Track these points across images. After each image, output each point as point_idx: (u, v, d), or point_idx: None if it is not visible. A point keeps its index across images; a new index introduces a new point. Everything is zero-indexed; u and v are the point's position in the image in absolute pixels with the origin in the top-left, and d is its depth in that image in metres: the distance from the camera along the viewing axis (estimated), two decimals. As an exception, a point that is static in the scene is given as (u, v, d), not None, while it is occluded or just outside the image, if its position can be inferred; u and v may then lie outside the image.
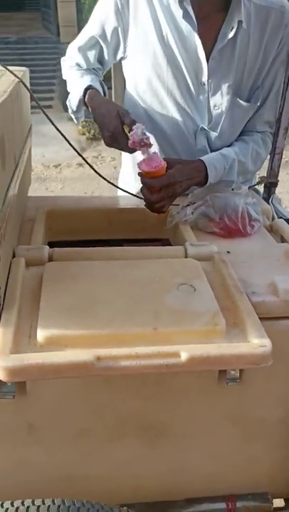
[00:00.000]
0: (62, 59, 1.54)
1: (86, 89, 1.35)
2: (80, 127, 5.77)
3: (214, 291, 0.96)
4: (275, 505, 1.19)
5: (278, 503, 1.22)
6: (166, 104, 1.39)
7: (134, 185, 1.51)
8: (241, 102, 1.39)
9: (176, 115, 1.39)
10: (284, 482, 1.19)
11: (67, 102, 1.48)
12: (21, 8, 11.28)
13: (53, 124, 1.26)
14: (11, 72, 1.14)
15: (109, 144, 1.27)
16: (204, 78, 1.35)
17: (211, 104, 1.38)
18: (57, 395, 0.97)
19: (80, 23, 6.84)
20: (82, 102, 1.37)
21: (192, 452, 1.10)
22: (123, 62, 1.45)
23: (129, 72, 1.44)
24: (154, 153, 1.18)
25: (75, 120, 1.52)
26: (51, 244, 1.21)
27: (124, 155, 1.56)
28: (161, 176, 1.18)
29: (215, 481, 1.15)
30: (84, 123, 5.87)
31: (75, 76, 1.44)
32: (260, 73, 1.39)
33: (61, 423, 1.01)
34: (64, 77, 1.53)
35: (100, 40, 1.40)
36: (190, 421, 1.06)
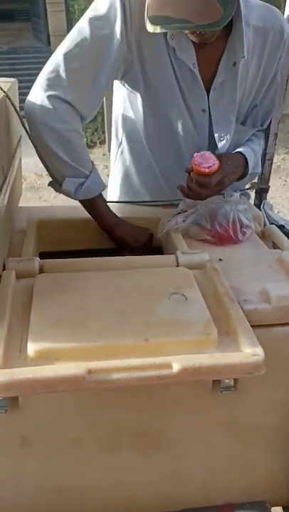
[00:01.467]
0: (35, 94, 1.19)
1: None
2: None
3: (206, 299, 0.96)
4: (273, 514, 1.18)
5: (277, 511, 1.21)
6: (166, 129, 1.35)
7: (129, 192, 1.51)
8: (244, 127, 1.38)
9: (178, 139, 1.36)
10: (282, 490, 1.18)
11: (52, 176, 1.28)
12: (11, 18, 11.31)
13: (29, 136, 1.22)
14: (-2, 84, 1.14)
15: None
16: (205, 106, 1.32)
17: (216, 135, 1.35)
18: (50, 407, 0.96)
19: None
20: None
21: (188, 462, 1.09)
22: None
23: (124, 91, 1.36)
24: (209, 152, 1.22)
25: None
26: (42, 255, 1.21)
27: (114, 165, 1.55)
28: (214, 174, 1.21)
29: (212, 490, 1.14)
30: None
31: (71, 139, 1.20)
32: (258, 94, 1.37)
33: (54, 435, 1.00)
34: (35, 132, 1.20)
35: (99, 71, 1.21)
36: (185, 431, 1.05)
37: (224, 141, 1.36)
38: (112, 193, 1.58)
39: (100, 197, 1.30)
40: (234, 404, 1.03)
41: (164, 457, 1.06)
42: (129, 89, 1.34)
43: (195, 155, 1.21)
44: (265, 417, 1.08)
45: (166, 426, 1.03)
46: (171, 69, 1.26)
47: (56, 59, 1.21)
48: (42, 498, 1.05)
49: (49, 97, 1.17)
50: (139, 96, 1.33)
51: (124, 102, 1.40)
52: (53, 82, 1.18)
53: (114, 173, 1.55)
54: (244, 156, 1.34)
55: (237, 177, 1.34)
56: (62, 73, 1.18)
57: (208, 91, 1.30)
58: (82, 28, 1.20)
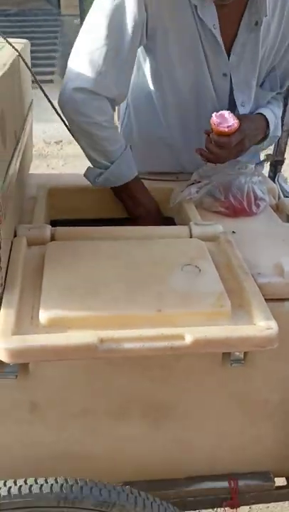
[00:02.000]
0: (66, 101, 1.21)
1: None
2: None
3: (219, 272, 0.94)
4: (277, 484, 1.20)
5: (280, 481, 1.23)
6: (186, 95, 1.31)
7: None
8: (262, 91, 1.34)
9: (198, 105, 1.32)
10: (286, 461, 1.19)
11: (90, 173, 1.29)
12: (21, -21, 10.99)
13: (51, 103, 1.21)
14: (11, 44, 1.11)
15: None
16: (226, 70, 1.28)
17: (238, 101, 1.32)
18: (60, 375, 0.96)
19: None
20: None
21: (195, 432, 1.10)
22: None
23: (146, 56, 1.31)
24: (228, 112, 1.18)
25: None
26: (54, 223, 1.20)
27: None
28: (234, 134, 1.18)
29: (217, 460, 1.15)
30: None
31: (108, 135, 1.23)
32: (277, 56, 1.32)
33: (64, 402, 1.00)
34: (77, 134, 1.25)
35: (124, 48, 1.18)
36: (193, 402, 1.06)
37: (246, 107, 1.32)
38: None
39: (125, 186, 1.26)
40: (243, 377, 1.03)
41: (172, 427, 1.07)
42: (149, 56, 1.29)
43: (214, 114, 1.17)
44: (273, 390, 1.08)
45: (175, 397, 1.04)
46: (196, 30, 1.21)
47: (77, 48, 1.21)
48: (50, 463, 1.06)
49: (72, 90, 1.19)
50: (158, 62, 1.28)
51: (138, 72, 1.35)
52: (73, 72, 1.20)
53: None
54: (265, 117, 1.31)
55: (258, 139, 1.31)
56: (84, 62, 1.18)
57: (229, 54, 1.26)
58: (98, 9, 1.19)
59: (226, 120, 1.17)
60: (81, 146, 1.27)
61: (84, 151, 1.27)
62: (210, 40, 1.23)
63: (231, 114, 1.18)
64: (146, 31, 1.21)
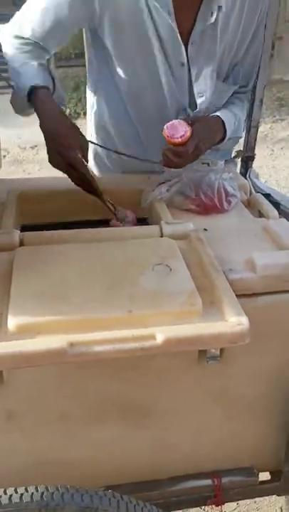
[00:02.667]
0: (8, 29, 1.30)
1: (34, 87, 1.18)
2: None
3: (190, 270, 0.94)
4: (260, 479, 1.20)
5: (264, 476, 1.23)
6: (146, 83, 1.32)
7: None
8: (224, 85, 1.35)
9: (157, 95, 1.33)
10: (269, 455, 1.20)
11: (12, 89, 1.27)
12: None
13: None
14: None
15: (58, 166, 1.16)
16: (183, 60, 1.29)
17: (195, 91, 1.33)
18: (35, 381, 0.95)
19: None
20: (27, 100, 1.20)
21: (175, 431, 1.10)
22: (91, 35, 1.34)
23: (104, 45, 1.32)
24: (179, 120, 1.18)
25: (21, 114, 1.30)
26: (25, 228, 1.18)
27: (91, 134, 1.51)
28: (188, 142, 1.17)
29: (199, 458, 1.15)
30: (60, 102, 5.75)
31: (20, 58, 1.25)
32: (239, 50, 1.33)
33: (40, 409, 0.99)
34: (4, 51, 1.30)
35: (66, 15, 1.23)
36: (171, 401, 1.05)
37: (203, 98, 1.33)
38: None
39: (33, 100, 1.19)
40: (220, 374, 1.03)
41: (151, 428, 1.07)
42: (107, 43, 1.29)
43: (165, 127, 1.18)
44: (251, 386, 1.08)
45: (153, 397, 1.03)
46: (150, 17, 1.22)
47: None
48: (30, 472, 1.05)
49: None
50: (116, 50, 1.29)
51: (100, 63, 1.36)
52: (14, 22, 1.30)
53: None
54: (221, 119, 1.31)
55: (215, 141, 1.31)
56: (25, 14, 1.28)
57: (187, 45, 1.27)
58: None
59: (177, 130, 1.17)
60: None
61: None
62: (166, 29, 1.23)
63: (182, 122, 1.18)
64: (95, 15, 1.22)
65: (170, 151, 1.19)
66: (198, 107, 1.34)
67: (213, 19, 1.24)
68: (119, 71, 1.32)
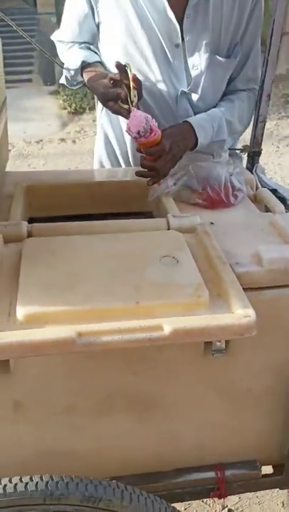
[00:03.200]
0: (54, 38, 1.51)
1: (85, 62, 1.35)
2: (61, 101, 5.65)
3: (197, 262, 0.95)
4: (263, 472, 1.21)
5: (267, 469, 1.24)
6: (144, 71, 1.34)
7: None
8: (220, 59, 1.35)
9: (155, 81, 1.35)
10: (272, 449, 1.20)
11: (64, 69, 1.47)
12: (-4, -22, 10.88)
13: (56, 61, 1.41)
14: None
15: (104, 102, 1.23)
16: (178, 40, 1.31)
17: (190, 64, 1.34)
18: (42, 371, 0.96)
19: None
20: (80, 71, 1.37)
21: (180, 423, 1.10)
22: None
23: (103, 38, 1.39)
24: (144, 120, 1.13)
25: (68, 84, 1.49)
26: (32, 221, 1.19)
27: (100, 128, 1.52)
28: (160, 142, 1.15)
29: (204, 450, 1.15)
30: (65, 97, 5.74)
31: (74, 52, 1.43)
32: (238, 29, 1.35)
33: (47, 399, 1.00)
34: (62, 58, 1.50)
35: (82, 13, 1.37)
36: (178, 393, 1.06)
37: (198, 71, 1.34)
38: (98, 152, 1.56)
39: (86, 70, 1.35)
40: (226, 366, 1.03)
41: (157, 419, 1.07)
42: (109, 38, 1.35)
43: (130, 131, 1.12)
44: (256, 379, 1.09)
45: (159, 389, 1.04)
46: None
47: None
48: (37, 462, 1.06)
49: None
50: (117, 43, 1.33)
51: (106, 58, 1.38)
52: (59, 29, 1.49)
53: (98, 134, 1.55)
54: (190, 124, 1.29)
55: (188, 145, 1.27)
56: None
57: (181, 22, 1.29)
58: None
59: (146, 129, 1.11)
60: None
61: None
62: (159, 9, 1.27)
63: (148, 122, 1.12)
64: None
65: (147, 156, 1.17)
66: (192, 80, 1.35)
67: None
68: (116, 57, 1.32)
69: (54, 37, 1.51)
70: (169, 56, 1.33)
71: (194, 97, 1.37)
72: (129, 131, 1.12)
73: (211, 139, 1.33)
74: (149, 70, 1.34)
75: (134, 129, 1.11)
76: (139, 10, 1.28)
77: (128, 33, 1.31)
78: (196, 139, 1.28)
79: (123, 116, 1.19)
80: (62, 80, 1.51)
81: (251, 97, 1.45)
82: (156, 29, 1.30)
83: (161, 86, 1.36)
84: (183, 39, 1.32)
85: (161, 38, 1.31)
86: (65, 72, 1.46)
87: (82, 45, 1.43)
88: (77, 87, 1.50)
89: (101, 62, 1.39)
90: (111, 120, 1.48)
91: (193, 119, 1.31)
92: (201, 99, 1.38)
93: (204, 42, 1.32)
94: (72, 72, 1.41)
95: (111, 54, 1.37)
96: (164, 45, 1.31)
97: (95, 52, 1.41)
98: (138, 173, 1.22)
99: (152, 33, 1.30)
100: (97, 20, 1.37)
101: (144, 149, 1.16)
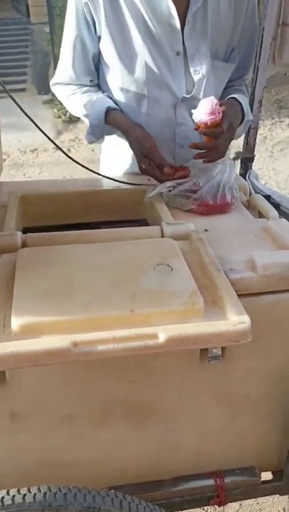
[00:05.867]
0: (52, 84, 1.48)
1: (105, 112, 1.35)
2: (55, 110, 5.67)
3: (192, 269, 0.95)
4: (262, 479, 1.20)
5: (266, 476, 1.23)
6: (143, 81, 1.34)
7: (117, 165, 1.50)
8: (221, 63, 1.37)
9: (155, 90, 1.35)
10: (271, 455, 1.20)
11: (87, 131, 1.46)
12: (-11, -11, 10.94)
13: (23, 112, 1.22)
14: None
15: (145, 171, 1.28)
16: (179, 47, 1.32)
17: (191, 70, 1.35)
18: (38, 381, 0.95)
19: (49, 2, 6.65)
20: (103, 123, 1.37)
21: (178, 431, 1.10)
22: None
23: (103, 51, 1.38)
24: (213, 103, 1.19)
25: (95, 138, 1.46)
26: (27, 231, 1.19)
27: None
28: (221, 121, 1.21)
29: (202, 458, 1.15)
30: (60, 106, 5.76)
31: (82, 99, 1.41)
32: (235, 32, 1.36)
33: (44, 409, 1.00)
34: (66, 105, 1.49)
35: (80, 37, 1.35)
36: (175, 401, 1.06)
37: (200, 75, 1.35)
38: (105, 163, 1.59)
39: (110, 115, 1.35)
40: (222, 373, 1.03)
41: (156, 428, 1.07)
42: (108, 47, 1.34)
43: (197, 113, 1.19)
44: (253, 385, 1.09)
45: (156, 397, 1.03)
46: (143, 8, 1.28)
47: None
48: (36, 472, 1.05)
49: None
50: (116, 52, 1.33)
51: (104, 67, 1.39)
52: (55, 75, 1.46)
53: (106, 145, 1.57)
54: (237, 100, 1.34)
55: (237, 123, 1.35)
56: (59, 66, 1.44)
57: (181, 29, 1.31)
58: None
59: (213, 113, 1.18)
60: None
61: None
62: (162, 18, 1.28)
63: (210, 102, 1.18)
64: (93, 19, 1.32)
65: (206, 138, 1.21)
66: (196, 84, 1.36)
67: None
68: (115, 66, 1.36)
69: (53, 81, 1.46)
70: (171, 64, 1.33)
71: (196, 102, 1.37)
72: (199, 120, 1.20)
73: (247, 119, 1.39)
74: (150, 79, 1.34)
75: (206, 117, 1.19)
76: (140, 20, 1.28)
77: (128, 44, 1.31)
78: (242, 117, 1.35)
79: (153, 177, 1.28)
80: (88, 139, 1.47)
81: (244, 89, 1.48)
82: (157, 37, 1.30)
83: (161, 95, 1.36)
84: (183, 45, 1.32)
85: (162, 46, 1.31)
86: (89, 124, 1.42)
87: (90, 85, 1.42)
88: (101, 140, 1.47)
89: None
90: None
91: (238, 97, 1.35)
92: None
93: (204, 47, 1.33)
94: (97, 122, 1.38)
95: (107, 62, 1.37)
96: (166, 53, 1.32)
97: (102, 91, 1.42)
98: (196, 156, 1.25)
99: (154, 41, 1.30)
100: (98, 34, 1.34)
101: (203, 130, 1.21)
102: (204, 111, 1.18)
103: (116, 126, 1.37)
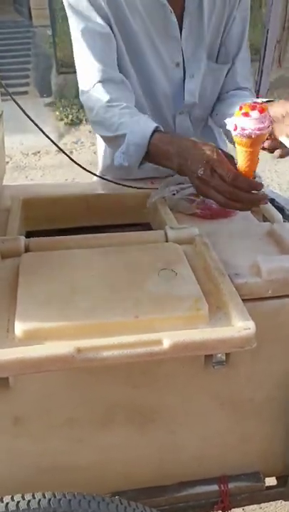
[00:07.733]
0: (84, 101, 1.30)
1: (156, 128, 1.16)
2: (57, 113, 5.68)
3: (196, 274, 0.94)
4: (267, 484, 1.20)
5: (270, 481, 1.22)
6: (142, 93, 1.33)
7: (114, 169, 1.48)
8: (215, 65, 1.37)
9: (154, 102, 1.34)
10: (275, 460, 1.19)
11: (122, 157, 1.23)
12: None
13: (26, 114, 1.22)
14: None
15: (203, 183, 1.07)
16: (179, 58, 1.31)
17: (188, 74, 1.34)
18: (41, 387, 0.95)
19: (51, 4, 6.67)
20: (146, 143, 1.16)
21: (183, 437, 1.09)
22: None
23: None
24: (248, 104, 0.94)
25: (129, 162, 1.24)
26: (30, 234, 1.19)
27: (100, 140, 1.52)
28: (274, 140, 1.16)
29: (207, 463, 1.14)
30: (62, 108, 5.77)
31: (125, 117, 1.20)
32: (226, 30, 1.36)
33: (48, 414, 0.99)
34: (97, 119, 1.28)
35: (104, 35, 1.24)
36: (179, 406, 1.05)
37: (196, 79, 1.34)
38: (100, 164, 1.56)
39: (150, 146, 1.15)
40: (227, 378, 1.03)
41: (159, 433, 1.06)
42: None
43: (230, 120, 0.94)
44: (258, 390, 1.08)
45: (160, 402, 1.03)
46: (148, 19, 1.25)
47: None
48: (38, 477, 1.05)
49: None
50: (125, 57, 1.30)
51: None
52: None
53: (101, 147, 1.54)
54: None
55: None
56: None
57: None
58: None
59: (264, 122, 0.91)
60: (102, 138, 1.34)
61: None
62: (162, 26, 1.26)
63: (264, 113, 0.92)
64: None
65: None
66: (193, 90, 1.34)
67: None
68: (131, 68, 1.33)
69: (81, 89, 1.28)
70: (170, 75, 1.32)
71: (195, 109, 1.37)
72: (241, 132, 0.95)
73: None
74: (149, 90, 1.33)
75: (253, 125, 0.92)
76: (143, 32, 1.26)
77: (132, 56, 1.29)
78: None
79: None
80: (120, 160, 1.23)
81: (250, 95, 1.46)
82: (159, 50, 1.29)
83: (160, 106, 1.35)
84: (182, 52, 1.32)
85: (163, 59, 1.30)
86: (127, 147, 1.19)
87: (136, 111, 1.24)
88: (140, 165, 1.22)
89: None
90: None
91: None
92: (202, 107, 1.40)
93: (200, 50, 1.33)
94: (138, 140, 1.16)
95: None
96: (167, 65, 1.31)
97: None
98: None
99: (156, 55, 1.29)
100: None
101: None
102: (249, 117, 0.89)
103: (163, 149, 1.14)
